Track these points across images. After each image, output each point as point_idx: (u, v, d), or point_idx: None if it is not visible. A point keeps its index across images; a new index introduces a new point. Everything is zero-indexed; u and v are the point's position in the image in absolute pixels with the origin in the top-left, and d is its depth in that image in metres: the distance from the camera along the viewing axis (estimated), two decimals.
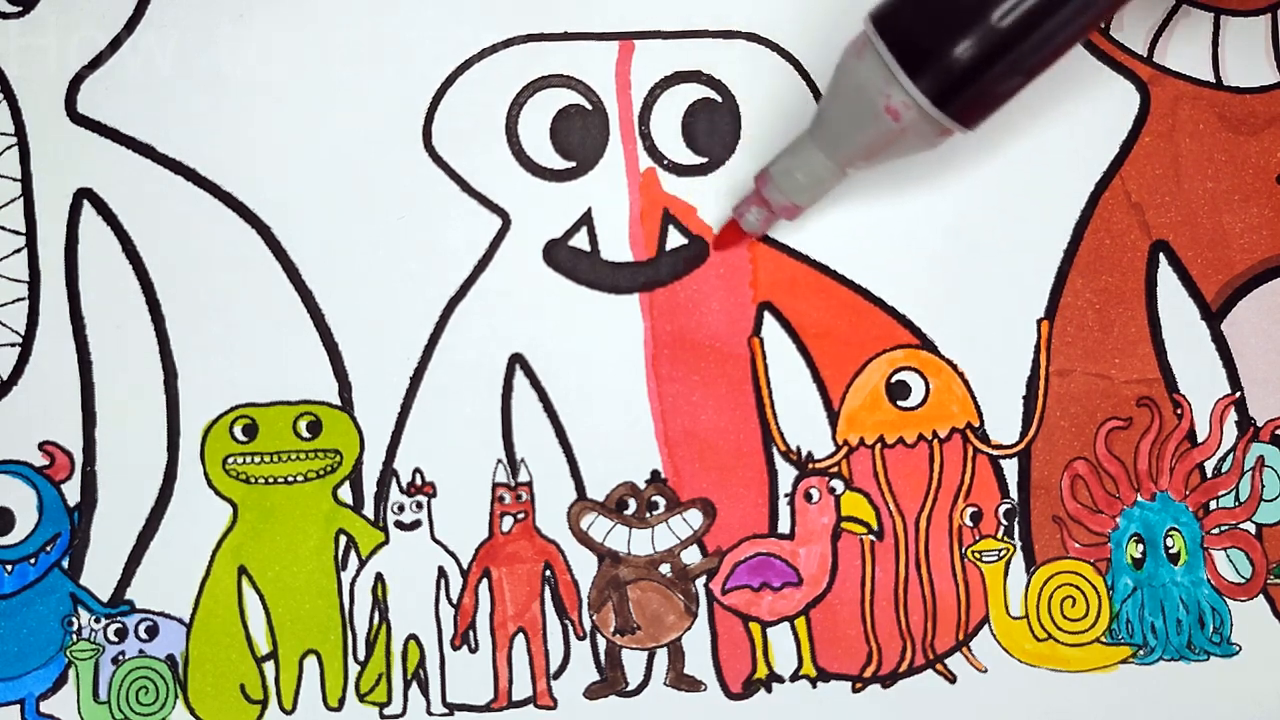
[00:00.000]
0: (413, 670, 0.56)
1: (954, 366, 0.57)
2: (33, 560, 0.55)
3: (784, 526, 0.57)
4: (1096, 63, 0.58)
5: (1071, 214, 0.58)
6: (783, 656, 0.56)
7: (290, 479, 0.56)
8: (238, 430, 0.56)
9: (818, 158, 0.52)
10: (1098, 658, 0.57)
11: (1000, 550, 0.57)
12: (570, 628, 0.56)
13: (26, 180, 0.56)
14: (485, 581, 0.56)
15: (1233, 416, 0.58)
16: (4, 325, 0.56)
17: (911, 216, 0.57)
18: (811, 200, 0.53)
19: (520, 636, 0.56)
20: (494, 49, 0.57)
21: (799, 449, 0.57)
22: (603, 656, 0.56)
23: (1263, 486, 0.57)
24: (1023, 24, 0.46)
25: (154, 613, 0.55)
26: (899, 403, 0.57)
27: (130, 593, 0.55)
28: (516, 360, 0.56)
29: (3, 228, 0.56)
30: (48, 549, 0.55)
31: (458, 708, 0.56)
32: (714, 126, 0.57)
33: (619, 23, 0.57)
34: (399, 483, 0.56)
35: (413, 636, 0.56)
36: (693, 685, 0.56)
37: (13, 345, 0.56)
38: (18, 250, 0.56)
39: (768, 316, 0.57)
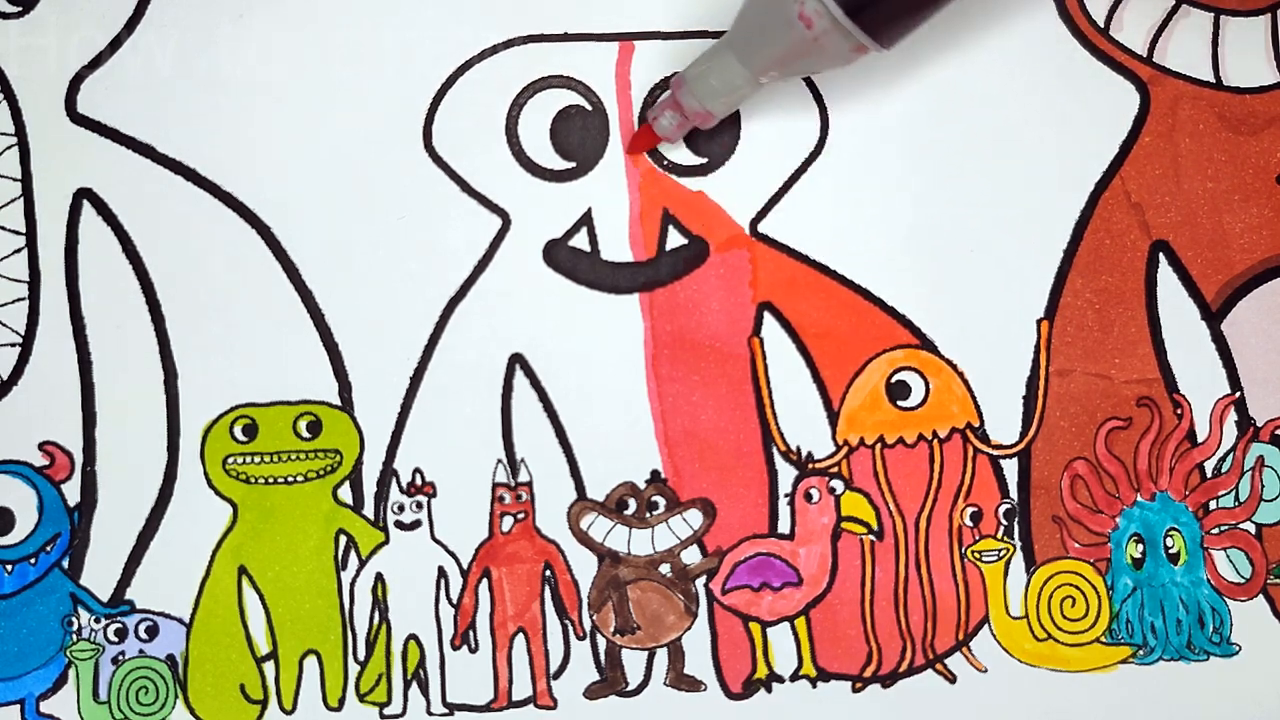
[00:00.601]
0: (413, 670, 0.56)
1: (954, 366, 0.57)
2: (33, 560, 0.55)
3: (784, 526, 0.57)
4: (1096, 63, 0.58)
5: (1071, 214, 0.58)
6: (783, 656, 0.56)
7: (290, 479, 0.56)
8: (238, 430, 0.56)
9: (733, 65, 0.52)
10: (1098, 658, 0.57)
11: (1000, 550, 0.57)
12: (570, 628, 0.56)
13: (26, 180, 0.56)
14: (485, 581, 0.56)
15: (1233, 416, 0.58)
16: (4, 325, 0.56)
17: (911, 216, 0.57)
18: (726, 108, 0.53)
19: (520, 636, 0.56)
20: (494, 49, 0.57)
21: (799, 449, 0.57)
22: (603, 656, 0.56)
23: (1263, 486, 0.57)
24: None
25: (154, 613, 0.55)
26: (899, 403, 0.57)
27: (130, 593, 0.55)
28: (516, 360, 0.56)
29: (3, 228, 0.56)
30: (48, 549, 0.55)
31: (458, 708, 0.56)
32: (714, 127, 0.57)
33: (619, 23, 0.57)
34: (399, 483, 0.56)
35: (413, 636, 0.56)
36: (693, 685, 0.56)
37: (13, 345, 0.56)
38: (18, 250, 0.56)
39: (768, 316, 0.57)
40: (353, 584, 0.56)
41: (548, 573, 0.56)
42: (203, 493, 0.56)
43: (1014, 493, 0.57)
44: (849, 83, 0.57)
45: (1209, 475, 0.57)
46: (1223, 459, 0.58)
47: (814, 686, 0.56)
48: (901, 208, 0.57)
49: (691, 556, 0.56)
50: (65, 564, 0.55)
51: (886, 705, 0.56)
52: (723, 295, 0.57)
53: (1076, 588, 0.57)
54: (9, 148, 0.56)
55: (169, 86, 0.56)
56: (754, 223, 0.57)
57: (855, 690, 0.56)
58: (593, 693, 0.56)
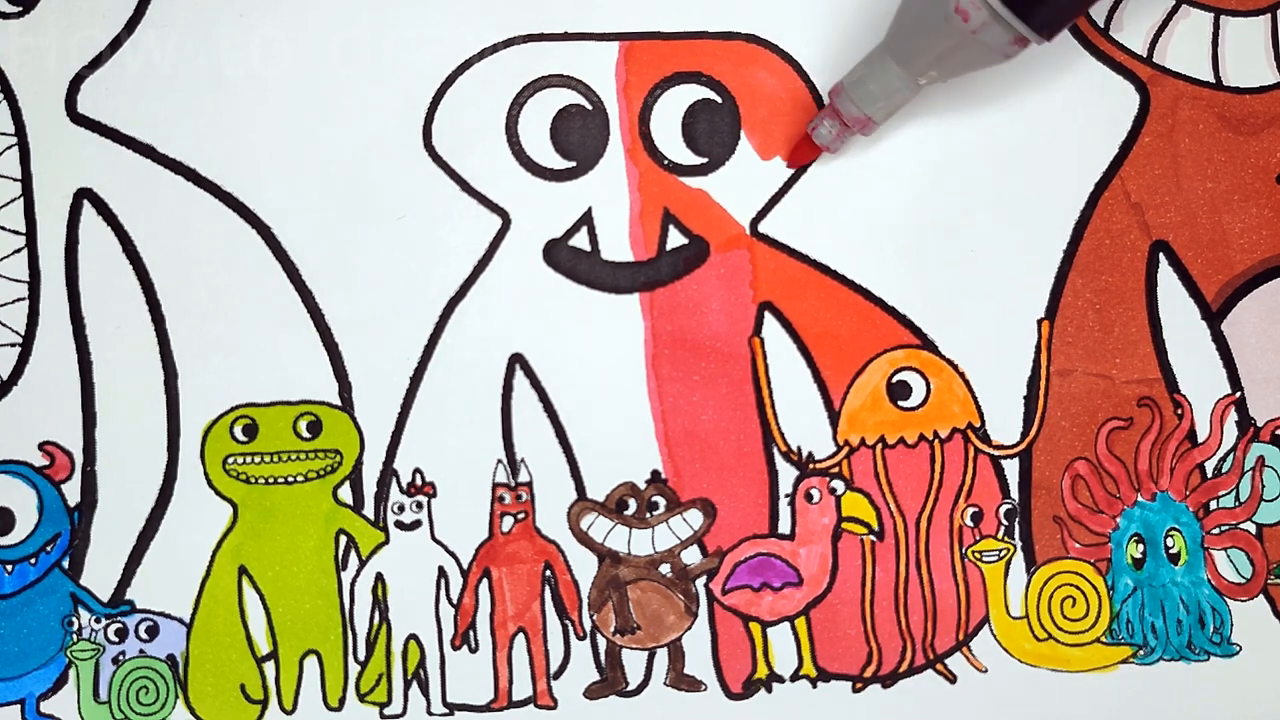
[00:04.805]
0: (413, 670, 0.56)
1: (955, 366, 0.57)
2: (33, 560, 0.55)
3: (784, 527, 0.57)
4: (1096, 63, 0.58)
5: (1071, 214, 0.58)
6: (783, 656, 0.56)
7: (290, 479, 0.56)
8: (238, 430, 0.56)
9: (891, 68, 0.51)
10: (1098, 658, 0.57)
11: (1001, 550, 0.57)
12: (570, 628, 0.56)
13: (26, 180, 0.56)
14: (485, 581, 0.56)
15: (1233, 416, 0.58)
16: (4, 325, 0.56)
17: (912, 216, 0.57)
18: (884, 113, 0.53)
19: (520, 636, 0.56)
20: (494, 49, 0.57)
21: (799, 449, 0.57)
22: (603, 656, 0.56)
23: (1263, 486, 0.57)
24: None
25: (154, 613, 0.55)
26: (900, 403, 0.57)
27: (130, 593, 0.55)
28: (516, 360, 0.56)
29: (3, 228, 0.56)
30: (48, 549, 0.55)
31: (458, 708, 0.56)
32: (714, 127, 0.57)
33: (619, 23, 0.57)
34: (399, 483, 0.56)
35: (413, 636, 0.56)
36: (693, 685, 0.56)
37: (13, 345, 0.56)
38: (18, 250, 0.56)
39: (768, 316, 0.57)
40: (353, 584, 0.56)
41: (548, 573, 0.56)
42: (203, 493, 0.56)
43: (1015, 493, 0.57)
44: None
45: (1209, 475, 0.57)
46: (1223, 459, 0.58)
47: (814, 686, 0.56)
48: (901, 208, 0.57)
49: (692, 556, 0.56)
50: (65, 564, 0.55)
51: (886, 705, 0.56)
52: (723, 295, 0.57)
53: (1077, 588, 0.57)
54: (9, 148, 0.56)
55: (169, 86, 0.56)
56: (754, 223, 0.57)
57: (855, 690, 0.56)
58: (593, 693, 0.56)
